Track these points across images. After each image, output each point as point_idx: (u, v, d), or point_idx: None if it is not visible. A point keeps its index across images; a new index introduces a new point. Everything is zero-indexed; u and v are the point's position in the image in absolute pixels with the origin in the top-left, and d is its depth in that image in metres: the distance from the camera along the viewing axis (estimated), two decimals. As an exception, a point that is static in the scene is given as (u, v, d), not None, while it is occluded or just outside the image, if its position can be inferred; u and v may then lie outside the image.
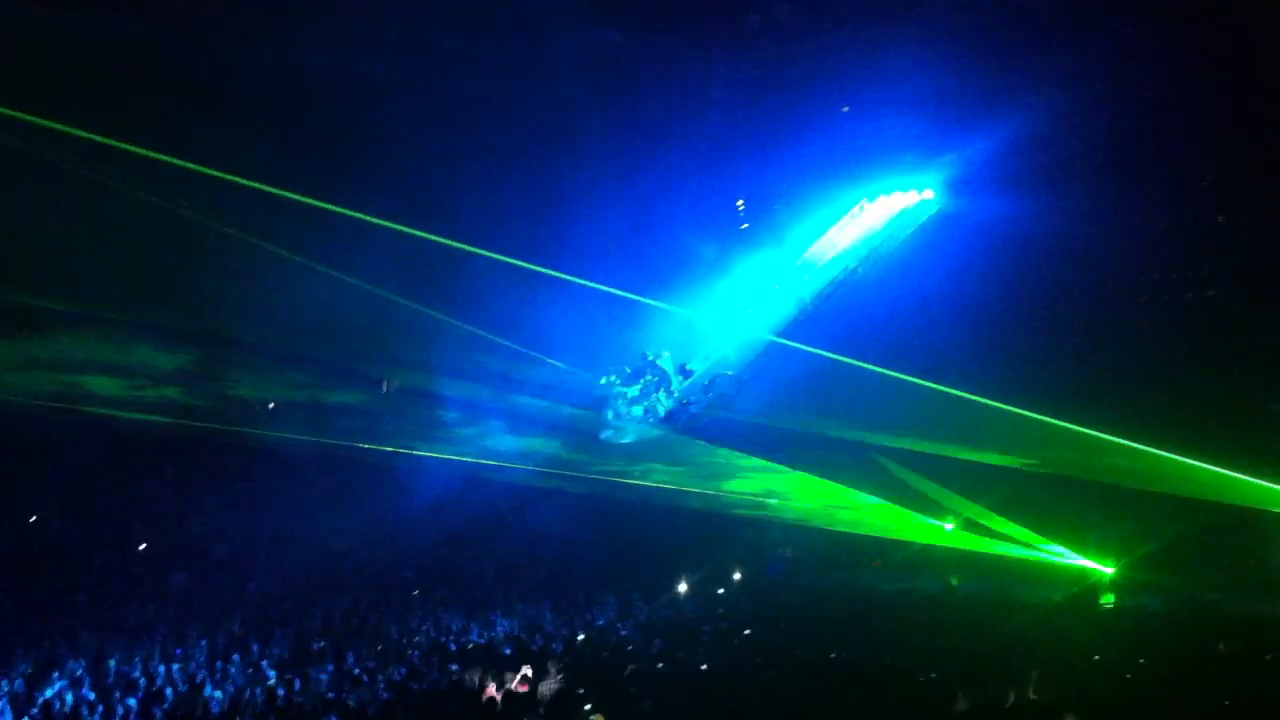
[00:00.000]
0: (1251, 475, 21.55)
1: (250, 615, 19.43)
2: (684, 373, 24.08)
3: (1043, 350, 22.29)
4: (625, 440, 24.18)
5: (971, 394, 22.53)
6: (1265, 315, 21.06)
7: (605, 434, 24.19)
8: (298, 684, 15.28)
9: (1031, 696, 15.44)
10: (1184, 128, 19.92)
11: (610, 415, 23.98)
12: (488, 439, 24.80)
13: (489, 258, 20.82)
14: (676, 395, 23.90)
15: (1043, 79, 19.46)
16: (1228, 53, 18.65)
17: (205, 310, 21.99)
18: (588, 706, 14.65)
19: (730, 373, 24.11)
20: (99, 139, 17.05)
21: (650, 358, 24.02)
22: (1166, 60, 18.85)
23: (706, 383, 24.20)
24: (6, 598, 19.61)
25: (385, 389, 25.01)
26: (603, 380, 23.80)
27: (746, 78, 20.84)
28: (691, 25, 20.39)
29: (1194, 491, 22.14)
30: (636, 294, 22.45)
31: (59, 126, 16.79)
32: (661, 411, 23.82)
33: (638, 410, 23.81)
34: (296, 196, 18.69)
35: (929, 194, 22.70)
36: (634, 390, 23.75)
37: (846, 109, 21.65)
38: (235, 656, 16.64)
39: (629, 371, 23.98)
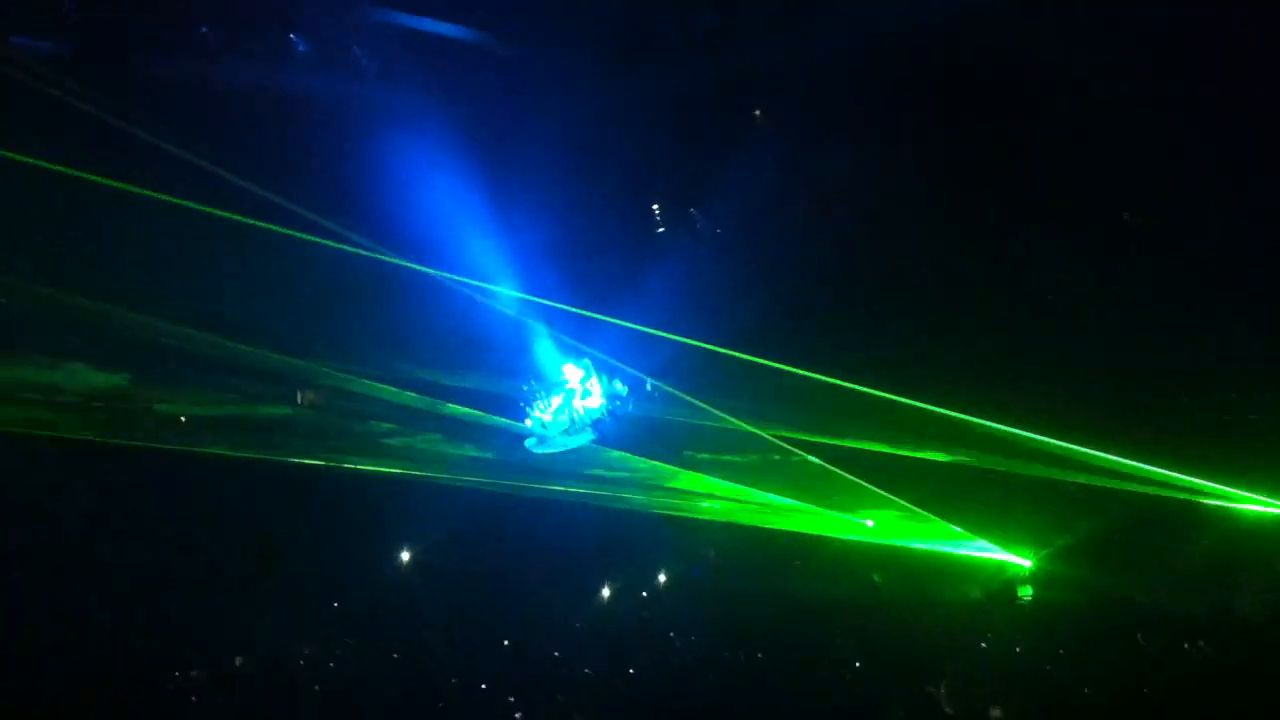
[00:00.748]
0: (1167, 467, 21.97)
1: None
2: (606, 379, 23.98)
3: (950, 342, 22.55)
4: (551, 450, 24.00)
5: (886, 391, 22.78)
6: (1180, 307, 21.45)
7: (529, 442, 23.99)
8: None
9: (957, 689, 15.63)
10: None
11: (535, 425, 23.81)
12: (405, 448, 24.53)
13: (405, 267, 20.67)
14: (602, 402, 23.79)
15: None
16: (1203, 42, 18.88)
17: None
18: (517, 715, 14.59)
19: (648, 382, 24.07)
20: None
21: (571, 364, 23.89)
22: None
23: (625, 389, 24.13)
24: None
25: (300, 399, 24.61)
26: (524, 388, 23.62)
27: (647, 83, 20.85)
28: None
29: (1110, 484, 22.50)
30: (548, 300, 22.38)
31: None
32: (587, 419, 23.70)
33: (563, 419, 23.67)
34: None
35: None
36: (550, 400, 23.61)
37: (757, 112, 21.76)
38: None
39: (551, 380, 23.82)
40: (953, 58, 18.91)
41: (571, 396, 23.80)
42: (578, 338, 23.95)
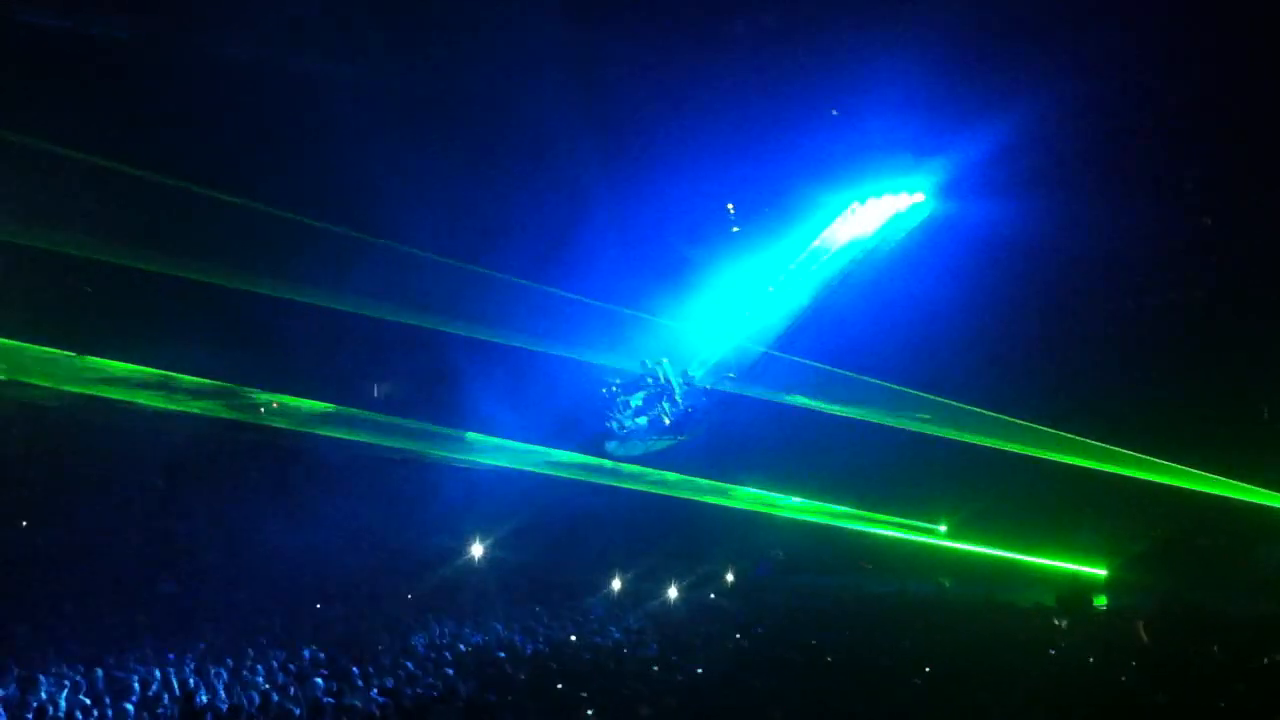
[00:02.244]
0: (1233, 477, 21.72)
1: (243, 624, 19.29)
2: (686, 379, 24.05)
3: (1034, 357, 22.41)
4: (634, 453, 24.11)
5: (960, 402, 22.67)
6: (1250, 321, 21.19)
7: (610, 445, 24.08)
8: (291, 691, 15.20)
9: (1026, 698, 15.48)
10: (1173, 132, 20.04)
11: (615, 427, 23.89)
12: (482, 442, 24.77)
13: (486, 273, 20.92)
14: (681, 403, 23.85)
15: (1032, 83, 19.57)
16: (1217, 59, 18.76)
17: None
18: (590, 712, 14.66)
19: (731, 376, 24.11)
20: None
21: (650, 365, 23.97)
22: (1156, 65, 18.95)
23: (709, 388, 24.18)
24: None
25: (377, 393, 24.99)
26: (604, 391, 23.73)
27: (737, 82, 20.90)
28: (682, 30, 20.43)
29: (1184, 494, 22.26)
30: (632, 302, 22.50)
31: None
32: (667, 420, 23.75)
33: (643, 420, 23.74)
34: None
35: (920, 197, 22.79)
36: (637, 400, 23.69)
37: (836, 113, 21.74)
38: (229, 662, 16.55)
39: (630, 381, 23.92)
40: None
41: (654, 399, 23.89)
42: (656, 339, 24.12)
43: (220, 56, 19.00)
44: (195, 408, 23.21)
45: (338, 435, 24.13)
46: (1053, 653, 18.26)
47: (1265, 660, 16.85)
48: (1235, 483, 21.85)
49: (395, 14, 19.16)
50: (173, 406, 22.99)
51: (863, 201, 23.59)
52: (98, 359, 22.43)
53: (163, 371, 22.66)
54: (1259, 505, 21.94)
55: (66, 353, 22.20)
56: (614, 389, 24.30)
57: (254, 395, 23.82)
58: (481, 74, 20.37)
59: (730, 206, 23.62)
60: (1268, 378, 21.51)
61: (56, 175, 18.53)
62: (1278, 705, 14.68)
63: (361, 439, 24.32)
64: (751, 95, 21.15)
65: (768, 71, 20.78)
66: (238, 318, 21.96)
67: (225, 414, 23.52)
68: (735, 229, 23.79)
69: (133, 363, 22.50)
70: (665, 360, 24.47)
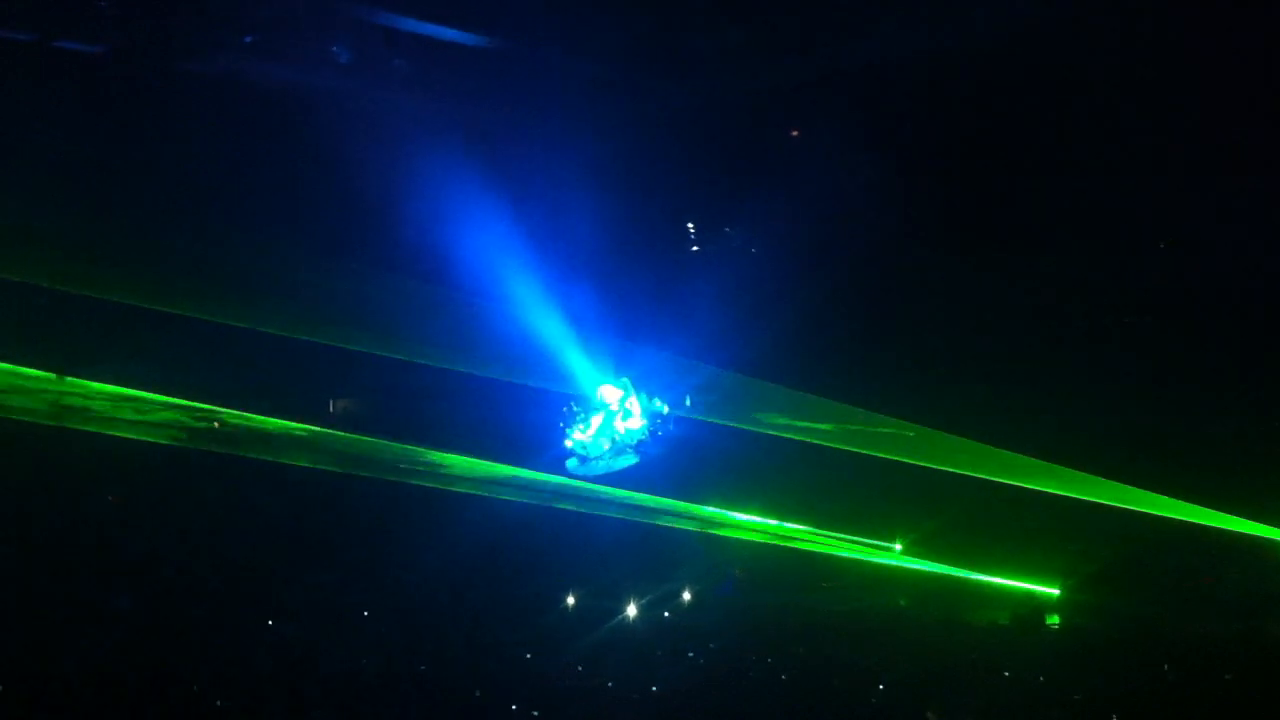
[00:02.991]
0: (1196, 497, 21.92)
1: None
2: (648, 398, 24.01)
3: (988, 379, 22.55)
4: (593, 472, 24.00)
5: (917, 423, 22.82)
6: (1200, 337, 21.43)
7: (571, 464, 23.98)
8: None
9: (981, 716, 15.55)
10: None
11: (575, 447, 23.81)
12: (435, 458, 24.63)
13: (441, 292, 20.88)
14: (643, 422, 23.79)
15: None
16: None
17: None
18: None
19: (688, 401, 24.11)
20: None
21: (611, 385, 23.91)
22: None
23: (668, 410, 24.13)
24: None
25: (332, 409, 24.77)
26: (564, 410, 23.65)
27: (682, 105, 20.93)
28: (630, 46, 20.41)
29: (1138, 516, 22.45)
30: (592, 322, 22.46)
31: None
32: (631, 439, 23.70)
33: (604, 439, 23.67)
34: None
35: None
36: (597, 419, 23.63)
37: (796, 133, 21.82)
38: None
39: (590, 400, 23.84)
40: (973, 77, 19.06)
41: (612, 417, 23.81)
42: (616, 358, 24.03)
43: (192, 73, 18.93)
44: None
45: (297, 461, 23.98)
46: (1007, 673, 18.33)
47: (1219, 680, 17.03)
48: (1191, 505, 22.07)
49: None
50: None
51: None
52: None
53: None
54: (1215, 527, 22.18)
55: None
56: (574, 408, 24.20)
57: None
58: (453, 93, 20.38)
59: (690, 225, 23.63)
60: (1227, 399, 21.75)
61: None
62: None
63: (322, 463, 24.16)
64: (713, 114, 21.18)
65: (727, 91, 20.81)
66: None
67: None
68: (695, 249, 23.80)
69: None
70: (626, 380, 24.41)
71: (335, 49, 18.93)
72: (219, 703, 15.71)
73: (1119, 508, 22.59)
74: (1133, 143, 19.46)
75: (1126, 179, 20.08)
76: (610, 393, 24.14)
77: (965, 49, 18.63)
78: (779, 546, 25.31)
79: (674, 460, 24.06)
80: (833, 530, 24.97)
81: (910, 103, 19.69)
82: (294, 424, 24.23)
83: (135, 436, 22.82)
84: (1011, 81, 19.15)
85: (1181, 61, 18.34)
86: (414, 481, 24.35)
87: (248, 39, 18.62)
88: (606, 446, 23.88)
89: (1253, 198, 19.66)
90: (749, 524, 25.45)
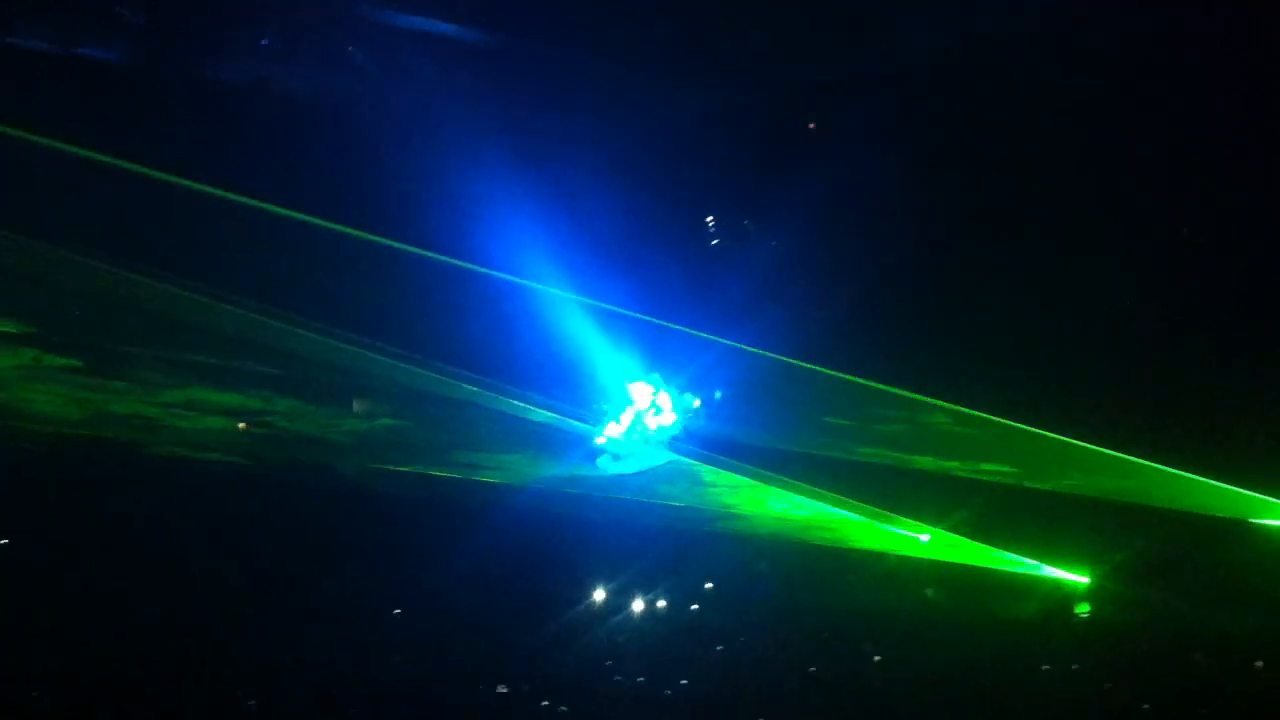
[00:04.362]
0: (1228, 483, 21.67)
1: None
2: (676, 393, 23.96)
3: (1027, 358, 22.38)
4: (627, 470, 23.98)
5: (947, 401, 22.63)
6: (1244, 322, 21.23)
7: (601, 461, 23.95)
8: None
9: (1012, 708, 15.49)
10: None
11: (606, 443, 23.78)
12: (465, 457, 24.65)
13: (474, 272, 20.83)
14: (672, 419, 23.75)
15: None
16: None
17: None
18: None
19: (719, 394, 24.04)
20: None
21: (638, 380, 23.87)
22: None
23: (697, 403, 24.08)
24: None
25: (356, 409, 24.81)
26: (595, 407, 23.61)
27: (704, 96, 20.90)
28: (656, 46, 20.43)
29: (1169, 500, 22.25)
30: (622, 309, 22.41)
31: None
32: (662, 435, 23.65)
33: (634, 437, 23.64)
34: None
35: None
36: (626, 416, 23.58)
37: (813, 126, 21.76)
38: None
39: (618, 397, 23.80)
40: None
41: (643, 414, 23.77)
42: (647, 353, 24.00)
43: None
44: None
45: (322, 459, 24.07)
46: (1038, 662, 18.25)
47: (1250, 670, 16.92)
48: (1227, 488, 21.83)
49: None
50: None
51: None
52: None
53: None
54: (1250, 515, 21.98)
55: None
56: (604, 406, 24.18)
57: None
58: (495, 74, 20.44)
59: (710, 219, 23.58)
60: (1261, 382, 21.52)
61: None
62: (1263, 715, 14.71)
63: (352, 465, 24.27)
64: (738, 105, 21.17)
65: (753, 80, 20.79)
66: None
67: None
68: (715, 241, 23.75)
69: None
70: (656, 375, 24.37)
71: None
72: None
73: (1153, 493, 22.40)
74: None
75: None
76: (641, 389, 24.12)
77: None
78: (805, 540, 25.27)
79: (703, 454, 24.05)
80: (853, 521, 24.87)
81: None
82: (323, 423, 24.35)
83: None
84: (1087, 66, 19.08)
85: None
86: (440, 474, 24.42)
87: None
88: (638, 443, 23.87)
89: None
90: (777, 515, 25.39)
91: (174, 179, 18.57)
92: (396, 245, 20.51)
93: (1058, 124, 19.79)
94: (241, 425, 23.77)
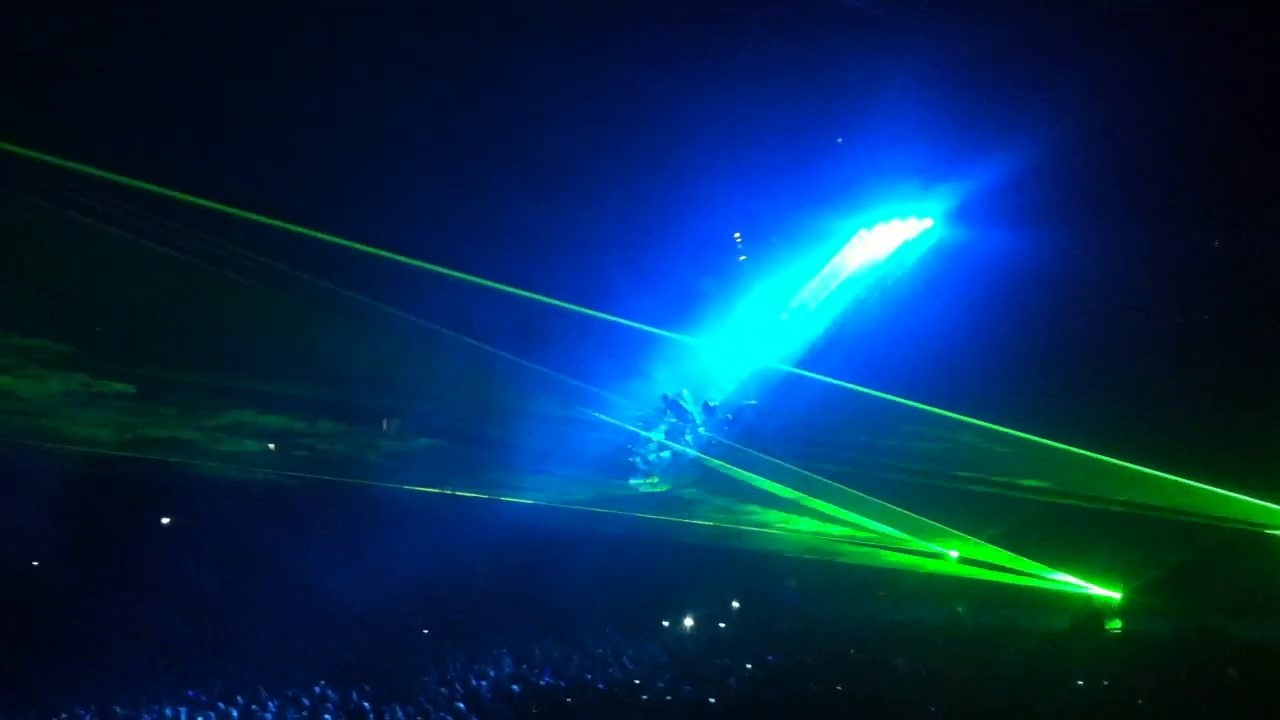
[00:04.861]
0: (1255, 496, 21.56)
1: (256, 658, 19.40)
2: (708, 410, 24.04)
3: (1045, 377, 22.36)
4: (659, 489, 24.08)
5: (977, 419, 22.63)
6: (1263, 337, 21.16)
7: (634, 480, 24.04)
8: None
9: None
10: (1179, 159, 20.10)
11: (639, 462, 23.85)
12: (492, 475, 24.76)
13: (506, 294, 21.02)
14: (703, 432, 23.81)
15: (1038, 108, 19.66)
16: (1221, 87, 18.83)
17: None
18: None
19: (753, 403, 24.11)
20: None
21: (670, 397, 23.97)
22: (1167, 91, 19.02)
23: (731, 416, 24.16)
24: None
25: (386, 427, 25.00)
26: (628, 428, 23.71)
27: (745, 111, 21.02)
28: (688, 60, 20.59)
29: (1198, 514, 22.14)
30: (648, 329, 22.55)
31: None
32: (692, 452, 23.71)
33: (666, 455, 23.71)
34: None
35: (928, 222, 22.87)
36: (659, 434, 23.67)
37: (841, 140, 21.86)
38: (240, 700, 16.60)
39: (651, 414, 23.89)
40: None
41: (677, 431, 23.86)
42: (679, 369, 24.13)
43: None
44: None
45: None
46: (1070, 677, 18.15)
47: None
48: (1256, 503, 21.72)
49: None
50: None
51: (870, 228, 23.68)
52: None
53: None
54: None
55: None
56: (637, 423, 24.29)
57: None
58: (493, 100, 20.63)
59: (737, 235, 23.71)
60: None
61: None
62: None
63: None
64: (758, 123, 21.27)
65: (778, 99, 20.90)
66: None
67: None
68: (742, 258, 23.87)
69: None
70: (685, 391, 24.48)
71: None
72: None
73: (1183, 508, 22.29)
74: None
75: None
76: (674, 405, 24.22)
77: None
78: (832, 558, 25.25)
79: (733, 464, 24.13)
80: (883, 537, 24.85)
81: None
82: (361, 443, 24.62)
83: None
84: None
85: None
86: (470, 495, 24.55)
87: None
88: (670, 460, 23.94)
89: None
90: (803, 531, 25.40)
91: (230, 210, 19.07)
92: (440, 270, 20.83)
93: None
94: (271, 446, 24.10)
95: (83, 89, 18.94)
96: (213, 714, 15.68)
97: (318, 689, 17.26)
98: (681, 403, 24.44)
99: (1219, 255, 21.54)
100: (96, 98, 18.95)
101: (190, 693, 16.83)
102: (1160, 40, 18.62)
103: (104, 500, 21.92)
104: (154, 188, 18.72)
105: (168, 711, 15.51)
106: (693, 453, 24.31)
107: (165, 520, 25.01)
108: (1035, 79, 19.52)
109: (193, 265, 20.21)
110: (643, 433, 24.21)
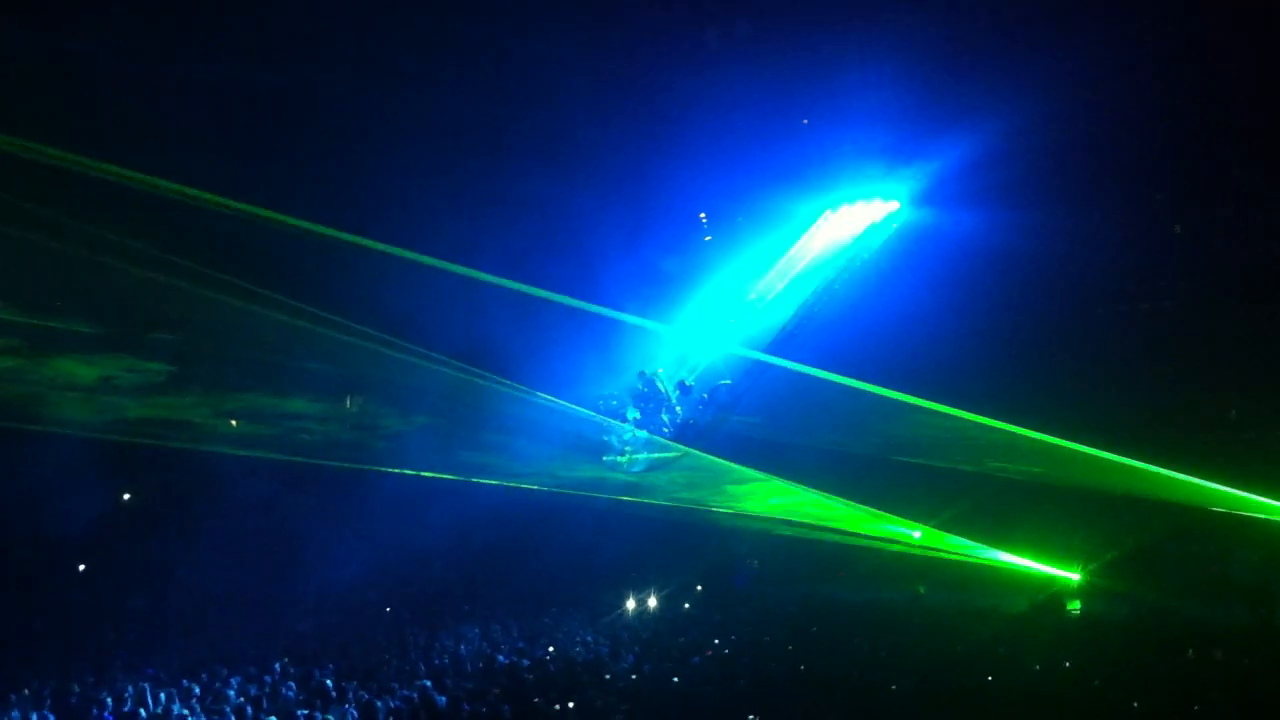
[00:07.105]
0: (1211, 480, 21.80)
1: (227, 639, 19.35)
2: (683, 389, 24.05)
3: (1009, 361, 22.49)
4: (635, 468, 24.08)
5: (940, 404, 22.73)
6: (1222, 323, 21.36)
7: (609, 459, 24.02)
8: (265, 705, 15.18)
9: (1001, 705, 15.53)
10: (1144, 142, 20.22)
11: (614, 441, 23.82)
12: (461, 456, 24.71)
13: (467, 278, 20.91)
14: (679, 412, 23.80)
15: (1005, 89, 19.69)
16: (1193, 70, 18.93)
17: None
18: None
19: (727, 382, 24.14)
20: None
21: (648, 375, 23.95)
22: (1135, 72, 19.10)
23: (706, 396, 24.17)
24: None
25: (349, 404, 24.88)
26: (600, 405, 23.67)
27: (711, 93, 20.96)
28: (653, 41, 20.50)
29: (1154, 497, 22.37)
30: (617, 312, 22.50)
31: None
32: (667, 431, 23.70)
33: (643, 434, 23.70)
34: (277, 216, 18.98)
35: (895, 205, 22.91)
36: (635, 414, 23.65)
37: (806, 121, 21.84)
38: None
39: (626, 394, 23.86)
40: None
41: (653, 411, 23.84)
42: (653, 351, 24.10)
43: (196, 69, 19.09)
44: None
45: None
46: (1028, 658, 18.29)
47: (1236, 660, 16.98)
48: (1212, 486, 21.95)
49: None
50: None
51: (835, 209, 23.71)
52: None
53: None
54: (1236, 511, 22.07)
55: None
56: (611, 403, 24.26)
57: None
58: (474, 85, 20.50)
59: (702, 215, 23.68)
60: (1247, 381, 21.66)
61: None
62: (1253, 710, 14.76)
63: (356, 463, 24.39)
64: (723, 104, 21.22)
65: (744, 81, 20.84)
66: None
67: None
68: (708, 238, 23.85)
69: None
70: (660, 371, 24.47)
71: None
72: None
73: (1140, 490, 22.51)
74: None
75: None
76: (650, 386, 24.21)
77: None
78: (795, 536, 25.34)
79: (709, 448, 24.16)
80: (846, 517, 24.96)
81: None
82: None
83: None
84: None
85: None
86: (442, 477, 24.48)
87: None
88: (646, 440, 23.94)
89: None
90: (767, 513, 25.48)
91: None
92: (409, 255, 20.73)
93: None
94: (234, 423, 23.94)
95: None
96: (174, 690, 15.51)
97: (278, 665, 17.11)
98: (657, 382, 24.44)
99: (1177, 241, 21.71)
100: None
101: (150, 670, 16.67)
102: (1125, 22, 18.69)
103: (60, 479, 21.68)
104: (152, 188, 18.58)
105: (127, 689, 15.33)
106: (667, 431, 24.32)
107: (125, 496, 24.89)
108: (1002, 59, 19.55)
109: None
110: (616, 415, 24.19)
